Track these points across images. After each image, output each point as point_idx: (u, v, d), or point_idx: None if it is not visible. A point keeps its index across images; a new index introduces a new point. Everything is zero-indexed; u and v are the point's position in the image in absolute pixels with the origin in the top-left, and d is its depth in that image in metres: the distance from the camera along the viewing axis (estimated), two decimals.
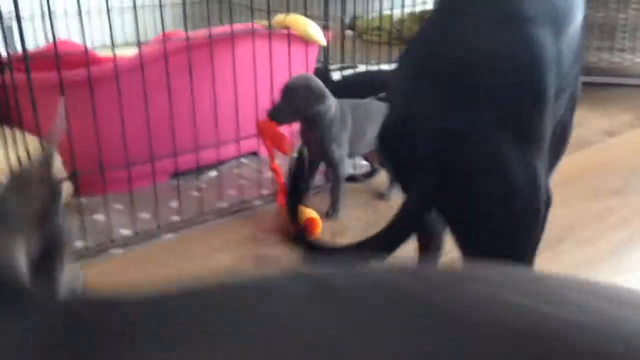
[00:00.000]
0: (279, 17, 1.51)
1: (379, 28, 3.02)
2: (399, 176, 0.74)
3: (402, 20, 3.07)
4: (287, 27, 1.49)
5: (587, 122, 1.95)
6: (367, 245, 0.68)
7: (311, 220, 1.44)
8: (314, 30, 1.45)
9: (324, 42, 1.47)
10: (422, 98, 0.66)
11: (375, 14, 2.98)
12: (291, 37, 1.52)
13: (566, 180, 1.57)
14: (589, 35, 2.30)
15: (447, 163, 0.64)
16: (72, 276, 0.58)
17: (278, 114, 1.48)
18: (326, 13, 1.63)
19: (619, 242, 1.37)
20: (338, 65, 2.46)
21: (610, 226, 1.44)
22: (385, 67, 2.27)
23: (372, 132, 1.61)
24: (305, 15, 1.53)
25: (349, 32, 3.18)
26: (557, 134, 0.81)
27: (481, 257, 0.66)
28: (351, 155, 1.60)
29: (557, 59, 0.67)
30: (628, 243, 1.37)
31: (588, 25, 2.12)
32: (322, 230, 1.47)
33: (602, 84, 2.35)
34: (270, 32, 1.48)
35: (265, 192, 1.64)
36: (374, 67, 2.20)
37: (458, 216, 0.68)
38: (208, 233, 1.48)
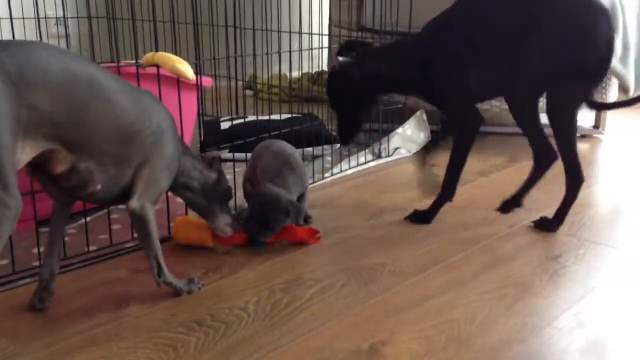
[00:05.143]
0: (147, 55, 1.51)
1: (276, 86, 3.09)
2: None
3: (298, 80, 3.15)
4: (157, 65, 1.48)
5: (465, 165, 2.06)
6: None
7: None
8: (182, 66, 1.45)
9: (193, 77, 1.47)
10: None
11: (273, 74, 3.06)
12: (162, 76, 1.50)
13: (443, 211, 1.71)
14: None
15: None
16: None
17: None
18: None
19: (482, 266, 1.46)
20: (228, 117, 2.49)
21: (477, 251, 1.53)
22: (274, 117, 2.31)
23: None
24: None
25: (247, 92, 3.24)
26: None
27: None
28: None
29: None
30: (490, 267, 1.46)
31: None
32: (197, 267, 1.44)
33: (482, 133, 2.48)
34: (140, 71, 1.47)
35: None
36: (264, 117, 2.23)
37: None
38: (70, 277, 1.40)
